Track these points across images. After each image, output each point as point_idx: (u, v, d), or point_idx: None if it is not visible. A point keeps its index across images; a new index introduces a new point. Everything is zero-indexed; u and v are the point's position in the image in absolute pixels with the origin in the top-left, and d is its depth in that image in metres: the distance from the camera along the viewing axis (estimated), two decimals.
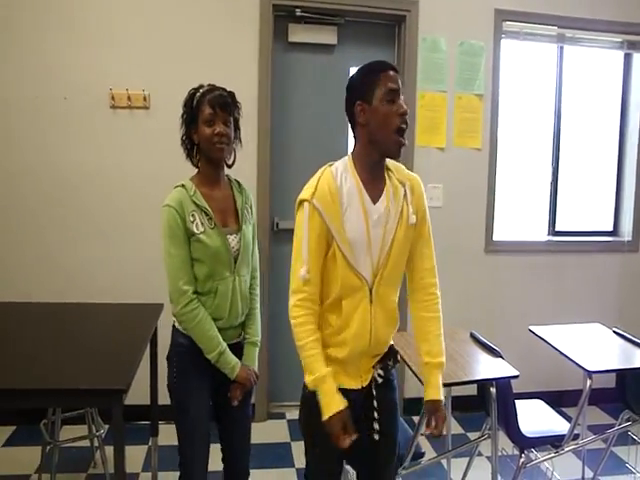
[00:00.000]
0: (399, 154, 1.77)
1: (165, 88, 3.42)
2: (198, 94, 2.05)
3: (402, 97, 1.75)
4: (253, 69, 3.53)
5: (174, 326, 2.15)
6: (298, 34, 3.66)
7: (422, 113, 3.72)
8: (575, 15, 3.89)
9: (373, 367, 1.87)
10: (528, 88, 4.06)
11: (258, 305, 2.31)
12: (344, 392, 1.78)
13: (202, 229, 2.02)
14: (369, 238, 1.75)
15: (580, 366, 2.55)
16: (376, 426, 1.86)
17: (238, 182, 2.24)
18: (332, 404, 1.72)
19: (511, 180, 4.05)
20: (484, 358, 2.59)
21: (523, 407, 2.72)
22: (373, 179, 1.78)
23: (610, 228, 4.24)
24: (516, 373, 2.41)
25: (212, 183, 2.12)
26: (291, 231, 3.71)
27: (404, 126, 1.72)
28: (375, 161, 1.78)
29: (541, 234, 4.14)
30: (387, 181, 1.81)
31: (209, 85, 2.10)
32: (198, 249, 2.02)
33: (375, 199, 1.77)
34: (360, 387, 1.86)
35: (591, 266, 4.07)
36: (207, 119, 2.03)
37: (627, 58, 4.15)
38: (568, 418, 2.80)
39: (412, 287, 1.91)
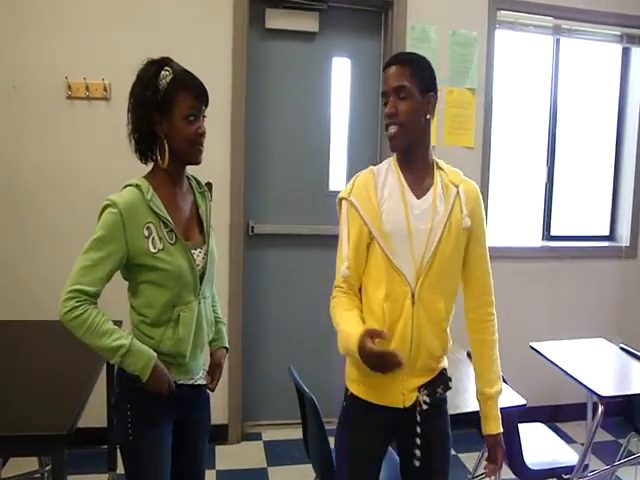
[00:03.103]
0: (394, 146, 1.67)
1: (128, 77, 2.98)
2: (168, 74, 1.60)
3: (396, 96, 1.63)
4: (226, 58, 3.20)
5: None
6: (276, 20, 3.34)
7: None
8: (572, 5, 3.65)
9: (419, 390, 1.67)
10: (522, 83, 3.80)
11: (220, 313, 1.91)
12: (382, 410, 1.66)
13: (160, 246, 1.59)
14: (410, 232, 1.62)
15: (592, 391, 2.29)
16: (417, 452, 1.67)
17: (197, 180, 1.81)
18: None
19: (503, 181, 3.79)
20: None
21: (524, 433, 2.45)
22: (417, 175, 1.68)
23: (606, 233, 4.01)
24: (522, 402, 2.14)
25: (174, 186, 1.69)
26: (267, 236, 3.50)
27: (389, 126, 1.65)
28: (403, 156, 1.69)
29: (535, 239, 3.90)
30: (437, 179, 1.69)
31: (173, 62, 1.66)
32: (155, 272, 1.59)
33: (419, 195, 1.66)
34: (402, 407, 1.67)
35: (587, 273, 3.83)
36: (189, 113, 1.61)
37: (625, 53, 3.92)
38: (567, 438, 2.57)
39: (468, 305, 1.77)
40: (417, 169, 1.67)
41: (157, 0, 3.11)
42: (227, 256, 3.29)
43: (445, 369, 1.73)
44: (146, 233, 1.57)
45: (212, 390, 1.82)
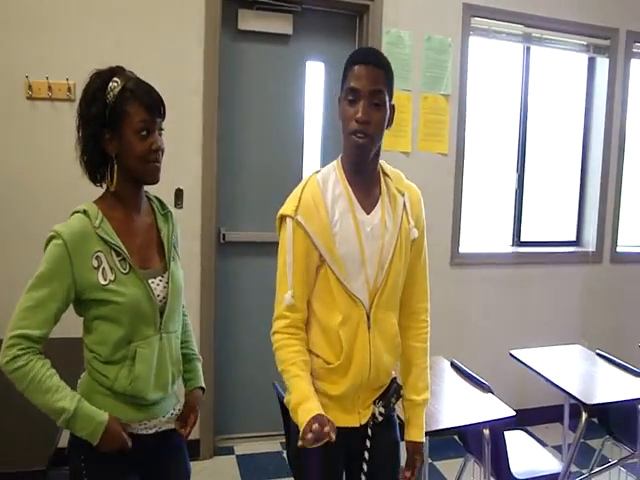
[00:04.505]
0: (358, 156, 1.53)
1: None
2: (116, 85, 1.44)
3: (370, 100, 1.48)
4: (198, 59, 3.09)
5: None
6: (249, 21, 3.24)
7: None
8: (541, 14, 3.70)
9: (374, 403, 1.63)
10: (493, 90, 3.83)
11: (195, 349, 1.76)
12: (341, 431, 1.52)
13: (111, 277, 1.43)
14: (362, 253, 1.53)
15: (576, 398, 2.30)
16: (364, 467, 1.62)
17: (160, 201, 1.66)
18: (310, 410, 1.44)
19: (474, 187, 3.80)
20: (471, 393, 2.29)
21: (507, 442, 2.45)
22: (365, 186, 1.57)
23: (573, 238, 4.08)
24: (512, 413, 2.12)
25: (129, 209, 1.53)
26: (239, 244, 3.40)
27: (358, 134, 1.48)
28: (356, 166, 1.56)
29: (505, 245, 3.93)
30: (383, 188, 1.60)
31: (125, 71, 1.49)
32: (107, 305, 1.43)
33: (368, 209, 1.56)
34: (358, 425, 1.61)
35: (555, 278, 3.89)
36: (140, 128, 1.45)
37: (591, 62, 4.00)
38: (538, 441, 2.60)
39: (404, 311, 1.68)
40: (365, 180, 1.56)
41: None
42: (198, 265, 3.17)
43: (395, 378, 1.69)
44: (95, 263, 1.42)
45: (185, 438, 1.63)
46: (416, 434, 1.66)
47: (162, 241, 1.59)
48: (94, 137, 1.46)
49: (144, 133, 1.46)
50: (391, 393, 1.64)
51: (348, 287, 1.51)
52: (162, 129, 1.52)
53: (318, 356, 1.57)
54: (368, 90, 1.47)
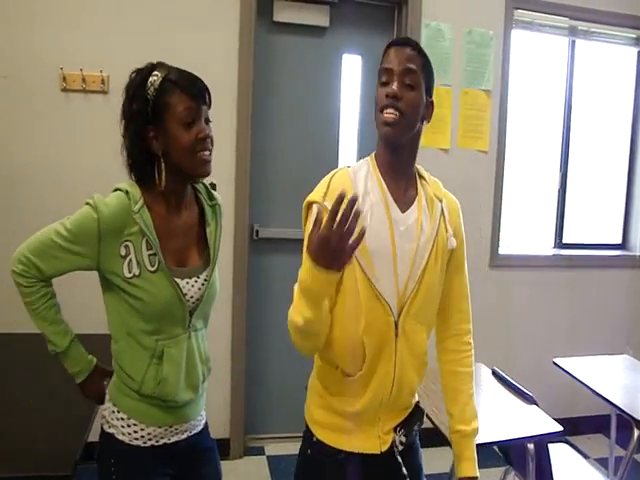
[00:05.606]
0: (389, 135, 1.38)
1: (127, 69, 2.83)
2: (156, 78, 1.36)
3: (402, 79, 1.37)
4: (232, 51, 3.02)
5: (103, 415, 1.48)
6: (285, 13, 3.16)
7: None
8: (588, 6, 3.53)
9: (394, 431, 1.48)
10: (536, 85, 3.67)
11: None
12: (355, 457, 1.44)
13: (137, 271, 1.36)
14: (394, 252, 1.39)
15: (628, 414, 2.16)
16: None
17: (207, 189, 1.55)
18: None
19: (515, 186, 3.66)
20: (514, 404, 2.17)
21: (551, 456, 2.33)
22: (399, 183, 1.44)
23: (619, 241, 3.90)
24: (559, 428, 2.00)
25: (171, 206, 1.44)
26: (273, 240, 3.32)
27: (388, 109, 1.35)
28: (389, 157, 1.42)
29: (546, 247, 3.77)
30: (420, 190, 1.47)
31: (165, 65, 1.41)
32: (131, 297, 1.38)
33: (403, 207, 1.42)
34: (379, 452, 1.46)
35: (599, 282, 3.72)
36: (185, 118, 1.36)
37: None
38: (581, 453, 2.48)
39: (444, 333, 1.57)
40: (401, 177, 1.43)
41: None
42: (231, 261, 3.11)
43: (418, 402, 1.56)
44: (123, 252, 1.35)
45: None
46: (468, 468, 1.50)
47: (206, 237, 1.50)
48: (139, 137, 1.38)
49: (189, 122, 1.37)
50: (414, 420, 1.51)
51: (377, 287, 1.36)
52: (208, 119, 1.42)
53: (337, 367, 1.44)
54: (400, 69, 1.36)
